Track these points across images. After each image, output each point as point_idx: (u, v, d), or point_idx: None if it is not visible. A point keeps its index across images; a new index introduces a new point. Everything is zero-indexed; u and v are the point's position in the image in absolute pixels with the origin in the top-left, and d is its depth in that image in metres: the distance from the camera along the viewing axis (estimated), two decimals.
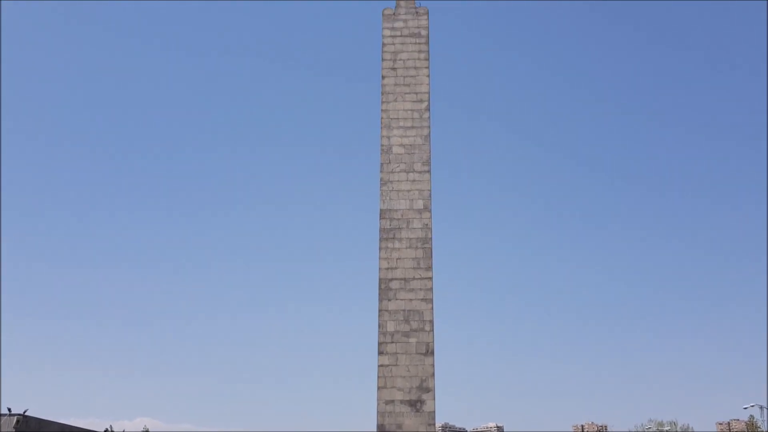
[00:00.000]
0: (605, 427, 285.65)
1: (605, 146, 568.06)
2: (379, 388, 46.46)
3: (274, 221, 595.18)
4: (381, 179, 51.87)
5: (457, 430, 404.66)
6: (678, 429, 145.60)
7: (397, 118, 53.10)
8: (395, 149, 52.51)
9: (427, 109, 53.51)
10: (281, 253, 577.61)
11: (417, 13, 54.86)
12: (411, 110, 53.24)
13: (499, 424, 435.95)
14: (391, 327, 47.72)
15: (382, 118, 53.36)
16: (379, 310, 48.44)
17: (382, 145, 52.79)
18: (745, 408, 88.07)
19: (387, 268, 49.34)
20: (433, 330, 47.61)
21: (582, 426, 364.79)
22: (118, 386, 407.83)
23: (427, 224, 50.47)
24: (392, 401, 45.90)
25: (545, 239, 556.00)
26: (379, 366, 46.99)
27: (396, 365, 46.77)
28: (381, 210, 51.14)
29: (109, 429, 70.40)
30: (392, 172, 51.89)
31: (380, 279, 49.22)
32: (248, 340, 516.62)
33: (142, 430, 71.94)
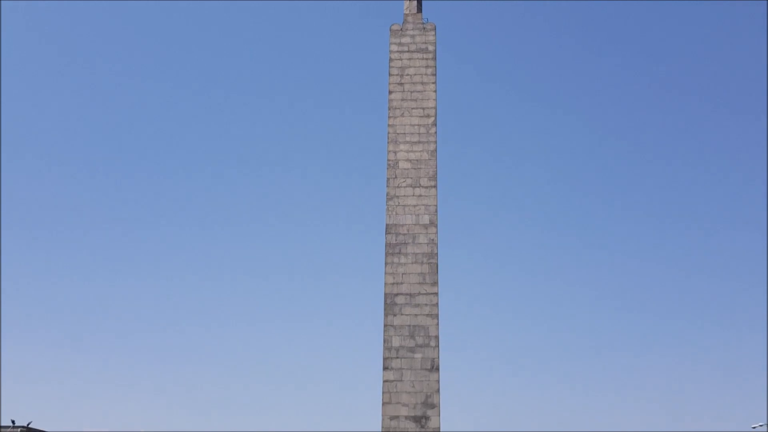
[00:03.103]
0: None
1: (615, 161, 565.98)
2: (384, 403, 46.18)
3: (278, 235, 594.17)
4: (387, 194, 51.92)
5: None
6: None
7: (404, 133, 53.26)
8: (401, 164, 52.61)
9: (434, 124, 53.66)
10: (286, 267, 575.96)
11: (424, 29, 55.18)
12: (418, 125, 53.40)
13: None
14: (396, 342, 47.53)
15: (388, 133, 53.52)
16: (385, 326, 48.27)
17: (388, 160, 52.90)
18: (754, 428, 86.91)
19: (392, 283, 49.23)
20: (438, 346, 47.37)
21: None
22: (123, 397, 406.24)
23: (433, 239, 50.41)
24: (397, 417, 45.60)
25: (554, 256, 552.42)
26: (384, 381, 46.74)
27: (401, 381, 46.51)
28: (387, 225, 51.12)
29: None
30: (398, 187, 51.96)
31: (386, 294, 49.09)
32: (251, 354, 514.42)
33: None
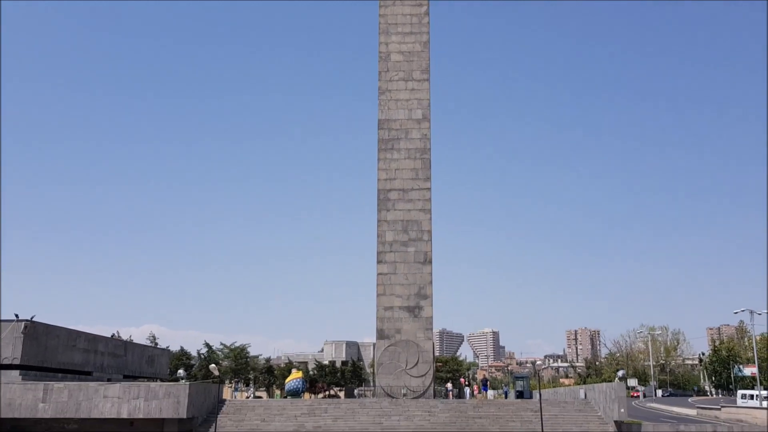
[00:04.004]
0: (598, 332, 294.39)
1: (609, 50, 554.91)
2: (378, 295, 47.45)
3: (270, 132, 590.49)
4: (379, 88, 50.88)
5: (455, 334, 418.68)
6: (669, 334, 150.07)
7: (396, 24, 51.48)
8: (393, 56, 51.22)
9: (427, 13, 51.79)
10: (279, 163, 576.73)
11: None
12: (410, 14, 51.53)
13: (494, 330, 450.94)
14: (389, 237, 48.18)
15: (379, 23, 51.72)
16: (378, 221, 48.76)
17: (380, 52, 51.45)
18: (735, 313, 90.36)
19: (386, 179, 49.26)
20: (431, 239, 48.10)
21: (575, 331, 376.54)
22: (126, 293, 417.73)
23: (426, 134, 49.96)
24: (391, 308, 47.00)
25: (545, 147, 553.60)
26: (378, 274, 47.79)
27: (395, 273, 47.54)
28: (379, 120, 50.50)
29: (116, 335, 72.50)
30: (390, 80, 50.83)
31: (379, 190, 49.25)
32: (251, 251, 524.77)
33: (149, 335, 74.10)
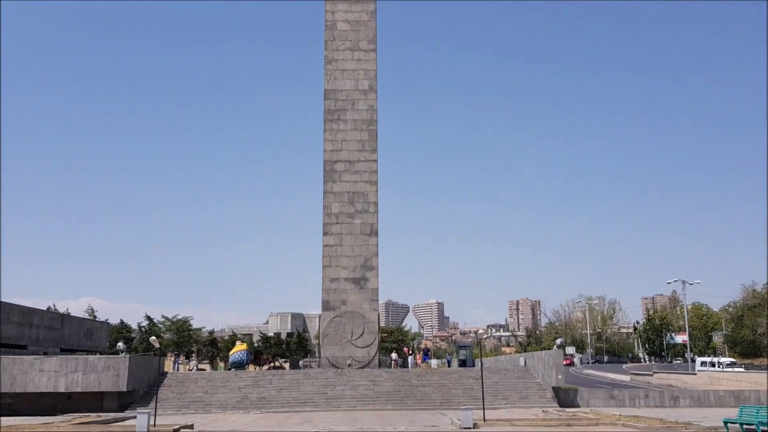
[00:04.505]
0: (539, 302, 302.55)
1: (557, 17, 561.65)
2: (324, 267, 47.34)
3: (215, 105, 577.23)
4: (325, 57, 50.15)
5: (400, 306, 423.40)
6: (606, 303, 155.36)
7: None
8: (340, 25, 50.47)
9: None
10: (224, 136, 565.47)
11: None
12: None
13: (439, 301, 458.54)
14: (336, 208, 47.98)
15: None
16: (324, 192, 48.43)
17: (326, 21, 50.60)
18: (669, 283, 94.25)
19: (332, 150, 48.86)
20: (377, 211, 48.12)
21: (517, 302, 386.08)
22: (63, 266, 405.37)
23: (372, 105, 49.65)
24: (337, 279, 47.00)
25: (490, 118, 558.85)
26: (324, 246, 47.62)
27: (341, 245, 47.47)
28: (325, 90, 49.89)
29: (52, 308, 70.43)
30: (337, 50, 50.14)
31: (325, 161, 48.84)
32: (195, 223, 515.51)
33: (87, 308, 72.21)
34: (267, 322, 75.91)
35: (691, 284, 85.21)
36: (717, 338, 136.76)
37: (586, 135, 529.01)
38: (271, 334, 64.91)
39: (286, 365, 55.81)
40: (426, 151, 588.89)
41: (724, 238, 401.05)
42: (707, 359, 76.28)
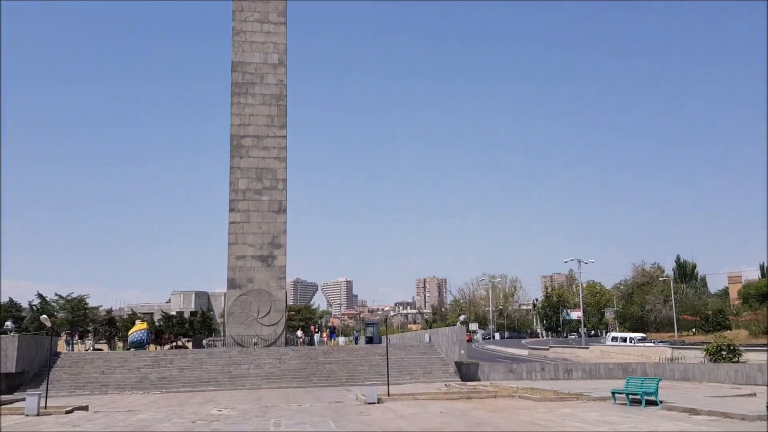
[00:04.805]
0: (445, 280, 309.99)
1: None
2: (230, 244, 46.30)
3: (123, 74, 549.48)
4: (233, 28, 48.62)
5: (309, 284, 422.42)
6: (508, 281, 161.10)
7: None
8: None
9: None
10: (131, 106, 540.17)
11: None
12: None
13: (348, 279, 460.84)
14: (242, 185, 46.93)
15: None
16: (231, 168, 47.24)
17: None
18: (566, 262, 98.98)
19: (239, 125, 47.64)
20: (286, 188, 47.42)
21: (424, 280, 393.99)
22: None
23: (282, 80, 48.68)
24: (243, 257, 46.12)
25: (398, 96, 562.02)
26: (230, 223, 46.53)
27: (248, 222, 46.55)
28: (233, 62, 48.45)
29: None
30: (245, 21, 48.70)
31: (232, 136, 47.58)
32: (94, 195, 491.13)
33: None
34: (169, 301, 73.69)
35: (586, 263, 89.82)
36: (609, 314, 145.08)
37: (491, 117, 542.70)
38: (174, 312, 63.02)
39: (189, 345, 54.45)
40: (336, 129, 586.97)
41: (618, 219, 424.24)
42: (618, 334, 79.95)
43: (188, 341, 55.71)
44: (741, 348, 47.24)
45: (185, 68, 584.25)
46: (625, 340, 71.80)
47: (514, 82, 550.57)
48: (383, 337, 54.45)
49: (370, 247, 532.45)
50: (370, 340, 56.34)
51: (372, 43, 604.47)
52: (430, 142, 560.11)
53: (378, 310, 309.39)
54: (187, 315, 63.17)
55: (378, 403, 25.74)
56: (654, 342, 71.76)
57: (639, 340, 69.36)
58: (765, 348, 55.84)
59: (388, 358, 31.60)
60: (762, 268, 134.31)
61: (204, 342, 53.29)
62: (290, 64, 49.29)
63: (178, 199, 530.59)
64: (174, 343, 53.13)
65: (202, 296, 70.79)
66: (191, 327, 57.27)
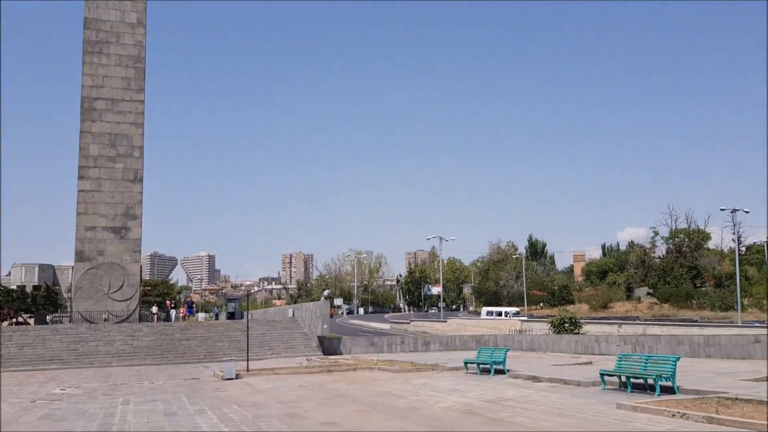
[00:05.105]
0: (311, 256, 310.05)
1: None
2: (79, 214, 43.20)
3: None
4: None
5: (168, 258, 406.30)
6: (373, 257, 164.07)
7: None
8: None
9: None
10: None
11: None
12: None
13: (210, 254, 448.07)
14: (94, 150, 43.83)
15: None
16: (81, 132, 43.91)
17: None
18: (428, 239, 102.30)
19: (92, 86, 44.33)
20: (142, 156, 44.85)
21: (290, 255, 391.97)
22: None
23: (140, 41, 45.77)
24: (94, 228, 43.22)
25: (261, 64, 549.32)
26: (79, 191, 43.37)
27: (99, 191, 43.61)
28: (86, 19, 44.85)
29: None
30: None
31: (83, 98, 44.18)
32: None
33: None
34: (9, 274, 67.83)
35: (447, 240, 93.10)
36: (467, 289, 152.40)
37: (351, 93, 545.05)
38: (14, 287, 58.13)
39: (32, 321, 50.50)
40: (198, 96, 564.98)
41: (479, 199, 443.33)
42: (494, 309, 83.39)
43: (30, 317, 51.66)
44: (582, 321, 51.27)
45: (35, 23, 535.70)
46: (500, 314, 75.54)
47: (368, 59, 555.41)
48: (245, 313, 53.50)
49: (235, 221, 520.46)
50: (231, 316, 55.15)
51: (238, 6, 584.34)
52: (298, 113, 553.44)
53: (241, 285, 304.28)
54: (29, 289, 58.45)
55: (236, 378, 25.21)
56: (526, 316, 76.07)
57: (514, 314, 73.32)
58: (602, 321, 60.85)
59: (248, 334, 31.02)
60: (603, 247, 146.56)
61: (48, 318, 49.62)
62: (150, 25, 46.50)
63: (21, 165, 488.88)
64: (14, 320, 49.06)
65: (47, 269, 65.78)
66: (34, 302, 53.07)
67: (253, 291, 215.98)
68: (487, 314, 78.94)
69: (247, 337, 30.70)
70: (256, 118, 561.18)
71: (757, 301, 74.48)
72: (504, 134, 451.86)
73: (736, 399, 14.77)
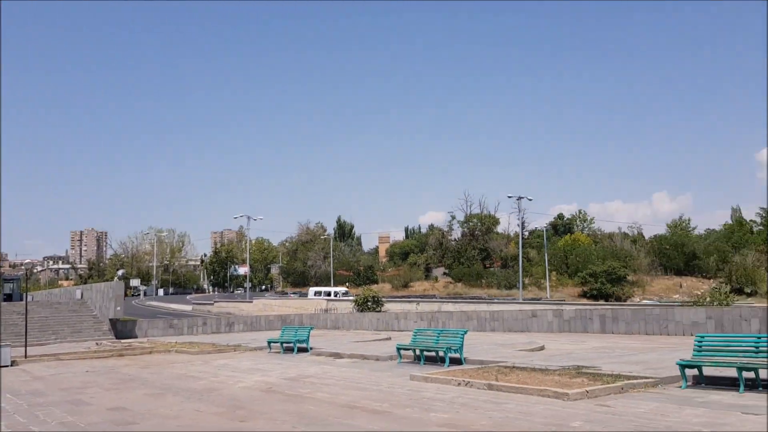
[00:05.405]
0: (105, 233, 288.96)
1: None
2: None
3: None
4: None
5: None
6: (176, 236, 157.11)
7: None
8: None
9: None
10: None
11: None
12: None
13: None
14: None
15: None
16: None
17: None
18: (236, 218, 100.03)
19: None
20: None
21: (81, 232, 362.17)
22: None
23: None
24: None
25: (110, 30, 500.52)
26: None
27: None
28: None
29: None
30: None
31: None
32: None
33: None
34: None
35: (255, 220, 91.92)
36: (275, 270, 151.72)
37: (170, 62, 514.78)
38: None
39: None
40: (54, 51, 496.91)
41: (289, 179, 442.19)
42: (322, 289, 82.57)
43: None
44: (384, 299, 53.48)
45: None
46: (329, 294, 75.59)
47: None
48: (24, 294, 48.61)
49: (10, 193, 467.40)
50: (8, 298, 49.75)
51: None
52: (147, 78, 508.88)
53: (21, 264, 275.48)
54: None
55: (11, 366, 22.70)
56: (353, 296, 76.89)
57: (343, 294, 73.58)
58: (403, 299, 64.02)
59: (26, 317, 28.06)
60: (407, 230, 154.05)
61: None
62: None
63: None
64: None
65: None
66: None
67: (36, 271, 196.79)
68: (314, 294, 79.05)
69: (26, 320, 27.82)
70: (108, 81, 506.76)
71: (536, 281, 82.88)
72: (317, 116, 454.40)
73: (513, 367, 16.26)
